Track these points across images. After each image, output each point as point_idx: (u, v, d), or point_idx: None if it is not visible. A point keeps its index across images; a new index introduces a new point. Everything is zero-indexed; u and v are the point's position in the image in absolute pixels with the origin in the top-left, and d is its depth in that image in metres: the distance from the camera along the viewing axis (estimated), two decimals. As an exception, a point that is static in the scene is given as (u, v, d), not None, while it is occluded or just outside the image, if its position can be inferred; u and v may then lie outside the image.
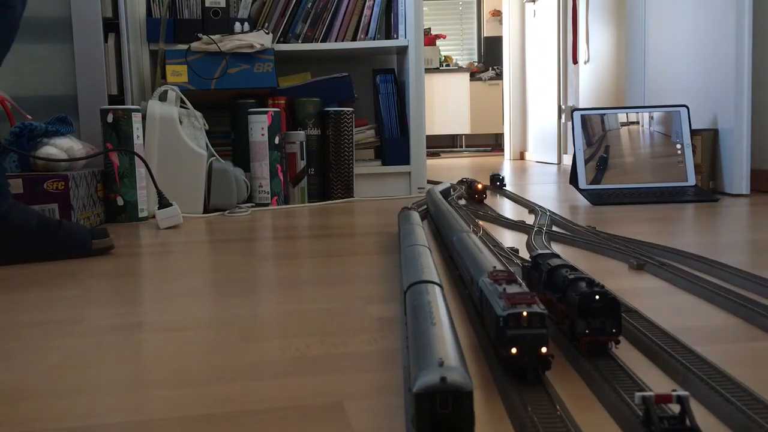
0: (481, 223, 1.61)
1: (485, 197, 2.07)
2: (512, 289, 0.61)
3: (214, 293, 0.98)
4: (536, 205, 1.88)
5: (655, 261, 1.06)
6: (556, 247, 1.27)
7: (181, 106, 2.04)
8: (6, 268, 1.25)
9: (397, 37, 2.44)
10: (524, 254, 1.20)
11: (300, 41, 2.40)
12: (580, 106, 4.00)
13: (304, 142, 2.26)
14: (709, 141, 2.18)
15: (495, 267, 0.72)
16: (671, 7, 2.47)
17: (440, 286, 0.68)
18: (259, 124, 2.14)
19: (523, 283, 0.64)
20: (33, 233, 1.30)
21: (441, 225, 1.29)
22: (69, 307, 0.93)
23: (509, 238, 1.40)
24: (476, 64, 7.61)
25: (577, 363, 0.63)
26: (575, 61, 4.07)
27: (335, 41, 2.42)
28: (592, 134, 2.15)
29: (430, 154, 6.31)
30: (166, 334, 0.79)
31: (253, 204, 2.15)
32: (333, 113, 2.28)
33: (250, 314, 0.86)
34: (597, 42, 3.75)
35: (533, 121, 4.94)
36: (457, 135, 7.49)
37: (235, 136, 2.33)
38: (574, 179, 2.12)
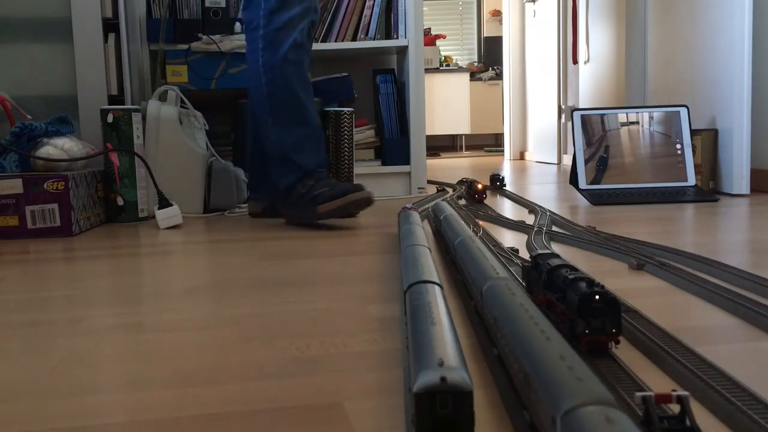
0: (481, 223, 1.61)
1: (485, 197, 2.07)
2: None
3: (214, 293, 0.98)
4: (536, 205, 1.88)
5: (655, 261, 1.06)
6: (556, 247, 1.27)
7: (181, 106, 2.04)
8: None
9: (397, 37, 2.44)
10: (524, 254, 1.20)
11: (300, 41, 2.40)
12: (580, 106, 4.00)
13: (304, 142, 2.26)
14: (709, 141, 2.18)
15: None
16: (671, 7, 2.47)
17: (440, 286, 0.68)
18: (259, 124, 2.14)
19: None
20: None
21: (498, 322, 0.60)
22: (69, 307, 0.93)
23: (509, 238, 1.40)
24: (476, 64, 7.60)
25: (577, 363, 0.62)
26: (575, 61, 4.07)
27: (335, 41, 2.42)
28: (592, 134, 2.15)
29: (430, 154, 6.31)
30: (166, 334, 0.79)
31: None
32: (333, 113, 2.28)
33: (250, 314, 0.86)
34: (597, 42, 3.75)
35: (533, 121, 4.94)
36: (457, 135, 7.49)
37: (236, 136, 2.32)
38: (574, 179, 2.12)
